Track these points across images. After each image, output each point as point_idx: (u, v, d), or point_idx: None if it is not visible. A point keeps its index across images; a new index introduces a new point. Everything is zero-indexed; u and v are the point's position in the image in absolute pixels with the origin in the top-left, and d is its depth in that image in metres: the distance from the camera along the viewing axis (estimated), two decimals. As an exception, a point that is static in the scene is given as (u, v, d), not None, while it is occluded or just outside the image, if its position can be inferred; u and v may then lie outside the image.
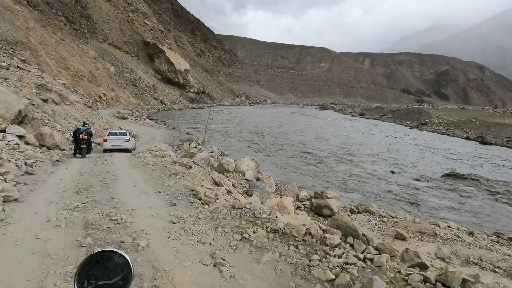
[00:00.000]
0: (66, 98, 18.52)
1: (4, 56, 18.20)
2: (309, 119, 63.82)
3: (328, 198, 9.95)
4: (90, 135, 11.80)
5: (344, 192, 14.67)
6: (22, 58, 20.75)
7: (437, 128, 51.83)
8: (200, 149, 13.16)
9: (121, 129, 18.16)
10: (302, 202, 10.84)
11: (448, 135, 46.53)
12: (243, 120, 50.17)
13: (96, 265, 1.28)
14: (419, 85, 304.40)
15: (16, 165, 8.32)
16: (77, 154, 11.62)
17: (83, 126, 12.02)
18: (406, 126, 59.80)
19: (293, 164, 19.69)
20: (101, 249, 1.34)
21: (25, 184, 6.95)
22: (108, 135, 14.11)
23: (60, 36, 48.68)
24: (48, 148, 12.22)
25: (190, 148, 15.47)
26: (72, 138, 11.95)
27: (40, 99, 15.82)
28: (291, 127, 42.98)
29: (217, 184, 9.10)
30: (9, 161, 8.53)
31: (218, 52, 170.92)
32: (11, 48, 27.61)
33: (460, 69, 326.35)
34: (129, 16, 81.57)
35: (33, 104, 14.79)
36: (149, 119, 34.80)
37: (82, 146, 11.44)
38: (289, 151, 23.72)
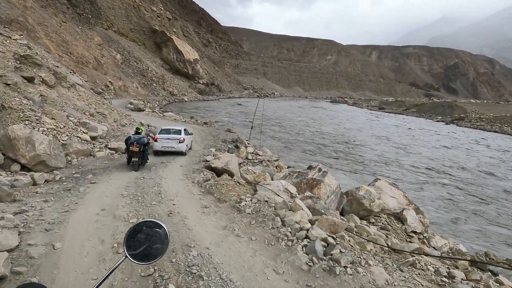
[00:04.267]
0: (64, 79, 13.13)
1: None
2: (336, 114, 59.11)
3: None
4: (143, 145, 9.48)
5: None
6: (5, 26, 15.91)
7: (478, 124, 46.92)
8: (317, 174, 8.17)
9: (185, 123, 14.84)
10: None
11: (496, 132, 41.68)
12: (270, 115, 45.58)
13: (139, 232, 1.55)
14: (427, 79, 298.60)
15: None
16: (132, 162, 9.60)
17: (136, 133, 9.88)
18: (437, 121, 54.96)
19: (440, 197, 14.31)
20: (142, 220, 1.58)
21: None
22: (159, 133, 11.91)
23: (62, 18, 43.81)
24: (23, 167, 7.65)
25: (255, 155, 10.91)
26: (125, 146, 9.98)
27: (22, 76, 10.81)
28: (335, 126, 37.95)
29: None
30: None
31: (225, 43, 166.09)
32: (4, 27, 22.95)
33: (469, 63, 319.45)
34: (135, 1, 76.35)
35: (7, 84, 9.91)
36: (164, 111, 30.21)
37: (133, 159, 9.35)
38: (392, 167, 17.90)
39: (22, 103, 9.67)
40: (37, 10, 37.70)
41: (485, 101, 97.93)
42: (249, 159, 10.86)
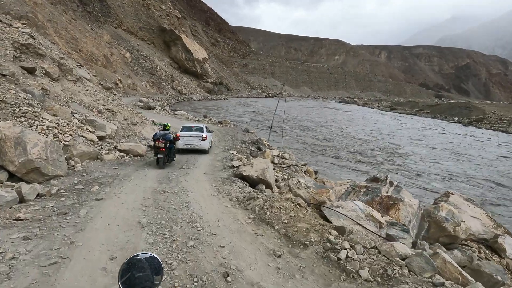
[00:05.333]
0: (70, 71, 11.98)
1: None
2: (352, 114, 57.42)
3: None
4: (169, 141, 9.16)
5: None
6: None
7: (499, 126, 44.88)
8: (390, 189, 6.63)
9: (203, 121, 14.06)
10: None
11: (518, 133, 39.66)
12: (285, 116, 44.37)
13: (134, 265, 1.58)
14: (438, 79, 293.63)
15: None
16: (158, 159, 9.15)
17: (164, 129, 9.67)
18: (454, 122, 52.92)
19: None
20: (136, 254, 1.62)
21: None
22: (181, 131, 11.60)
23: (72, 15, 43.37)
24: (12, 175, 6.18)
25: (281, 159, 9.74)
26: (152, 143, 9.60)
27: (21, 67, 9.79)
28: (359, 128, 36.18)
29: None
30: None
31: (233, 43, 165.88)
32: (6, 16, 22.25)
33: (482, 63, 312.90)
34: (144, 0, 75.92)
35: (2, 75, 8.87)
36: (174, 110, 29.30)
37: (159, 156, 8.96)
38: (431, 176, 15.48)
39: (19, 96, 8.53)
40: (47, 7, 37.25)
41: (501, 102, 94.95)
42: (275, 163, 9.72)
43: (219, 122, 19.55)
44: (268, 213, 5.41)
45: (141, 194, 6.55)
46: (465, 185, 14.24)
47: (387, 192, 6.25)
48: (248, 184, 7.11)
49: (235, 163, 8.43)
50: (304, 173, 10.57)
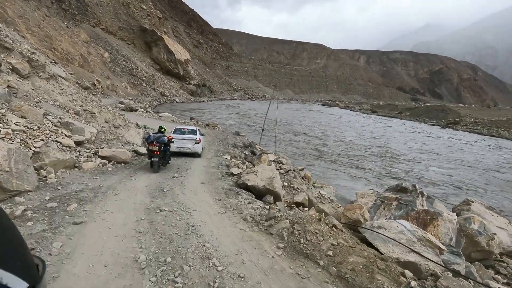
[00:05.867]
0: (42, 68, 10.65)
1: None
2: (337, 118, 57.82)
3: None
4: (163, 144, 8.71)
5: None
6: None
7: (474, 128, 46.72)
8: (425, 202, 5.82)
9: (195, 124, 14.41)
10: None
11: (493, 136, 41.42)
12: (273, 118, 43.85)
13: None
14: (413, 83, 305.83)
15: None
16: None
17: (159, 132, 9.31)
18: (433, 125, 54.71)
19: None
20: None
21: None
22: (173, 133, 11.15)
23: (46, 12, 40.87)
24: None
25: (277, 164, 9.08)
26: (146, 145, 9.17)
27: None
28: (347, 130, 36.01)
29: None
30: None
31: (216, 45, 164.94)
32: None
33: (454, 69, 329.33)
34: (124, -2, 73.40)
35: None
36: (157, 112, 28.02)
37: (153, 159, 8.54)
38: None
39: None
40: (17, 2, 34.82)
41: (473, 106, 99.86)
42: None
43: (207, 125, 18.66)
44: (302, 240, 4.25)
45: (132, 213, 5.37)
46: (472, 191, 13.76)
47: (422, 206, 5.63)
48: (254, 196, 6.24)
49: (235, 170, 7.64)
50: (302, 178, 10.00)
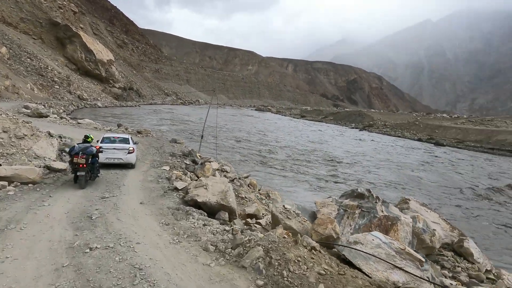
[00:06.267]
0: None
1: None
2: (272, 122, 59.52)
3: None
4: (91, 155, 7.68)
5: None
6: None
7: (385, 130, 53.98)
8: (384, 208, 5.50)
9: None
10: None
11: (399, 136, 48.44)
12: (209, 124, 42.36)
13: None
14: (334, 91, 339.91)
15: None
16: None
17: (84, 142, 8.19)
18: (353, 128, 61.34)
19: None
20: None
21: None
22: (101, 142, 9.80)
23: None
24: None
25: (221, 172, 8.49)
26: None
27: None
28: (283, 134, 36.63)
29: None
30: None
31: (143, 46, 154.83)
32: None
33: (365, 79, 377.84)
34: (27, -14, 62.73)
35: None
36: (74, 118, 24.25)
37: (78, 173, 7.43)
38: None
39: None
40: None
41: (381, 111, 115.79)
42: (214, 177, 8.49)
43: (139, 132, 16.68)
44: (285, 273, 3.50)
45: (48, 257, 3.86)
46: (403, 189, 15.15)
47: (382, 211, 5.75)
48: (206, 214, 5.41)
49: (179, 184, 6.73)
50: (248, 186, 9.68)
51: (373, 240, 3.87)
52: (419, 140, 44.66)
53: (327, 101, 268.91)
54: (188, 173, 8.77)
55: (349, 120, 70.68)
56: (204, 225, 4.89)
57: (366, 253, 3.58)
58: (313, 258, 3.50)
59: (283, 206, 4.97)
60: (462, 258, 6.51)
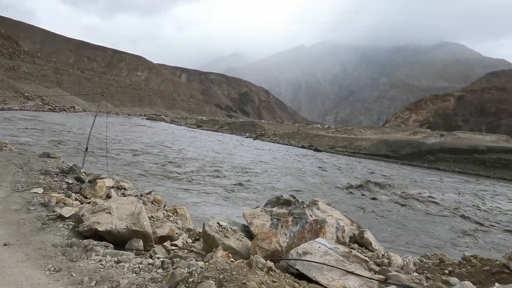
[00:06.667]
0: None
1: None
2: (169, 132, 55.62)
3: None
4: None
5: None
6: None
7: (275, 139, 59.66)
8: (311, 212, 4.92)
9: None
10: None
11: (287, 144, 54.48)
12: (99, 136, 35.64)
13: None
14: (228, 102, 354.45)
15: None
16: None
17: None
18: (247, 137, 65.17)
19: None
20: None
21: None
22: None
23: None
24: None
25: (118, 190, 7.20)
26: None
27: None
28: (179, 144, 33.81)
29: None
30: None
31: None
32: None
33: (255, 92, 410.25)
34: None
35: None
36: None
37: None
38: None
39: None
40: None
41: (270, 122, 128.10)
42: (111, 197, 7.03)
43: (-13, 146, 12.29)
44: None
45: None
46: (307, 192, 16.70)
47: (311, 216, 5.88)
48: (112, 246, 4.12)
49: (65, 211, 5.04)
50: (152, 203, 8.65)
51: (319, 247, 3.87)
52: (303, 147, 51.51)
53: (222, 112, 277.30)
54: (73, 194, 7.01)
55: (243, 130, 74.76)
56: (118, 261, 3.66)
57: (318, 262, 3.56)
58: (274, 282, 3.05)
59: (217, 223, 4.48)
60: (364, 248, 7.73)
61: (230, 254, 3.67)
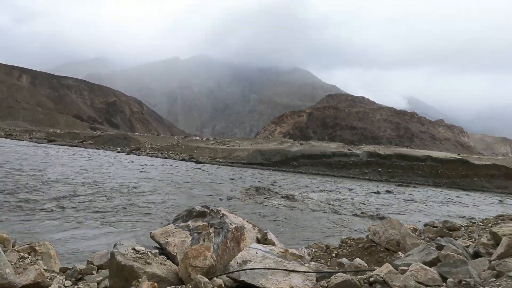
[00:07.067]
0: None
1: None
2: (8, 152, 40.95)
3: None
4: None
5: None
6: None
7: (152, 152, 55.63)
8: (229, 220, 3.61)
9: None
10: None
11: (166, 158, 51.80)
12: None
13: None
14: (91, 112, 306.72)
15: None
16: None
17: None
18: (119, 152, 57.99)
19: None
20: None
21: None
22: None
23: None
24: None
25: None
26: None
27: None
28: (29, 165, 24.46)
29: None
30: None
31: None
32: None
33: (125, 102, 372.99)
34: None
35: None
36: None
37: None
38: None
39: None
40: None
41: (145, 134, 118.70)
42: None
43: None
44: None
45: None
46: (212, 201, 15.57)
47: (231, 224, 5.23)
48: None
49: None
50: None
51: (256, 253, 3.70)
52: (183, 160, 50.12)
53: (83, 123, 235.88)
54: None
55: (114, 143, 66.05)
56: None
57: (261, 268, 3.39)
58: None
59: (132, 249, 3.45)
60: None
61: (155, 284, 2.94)
